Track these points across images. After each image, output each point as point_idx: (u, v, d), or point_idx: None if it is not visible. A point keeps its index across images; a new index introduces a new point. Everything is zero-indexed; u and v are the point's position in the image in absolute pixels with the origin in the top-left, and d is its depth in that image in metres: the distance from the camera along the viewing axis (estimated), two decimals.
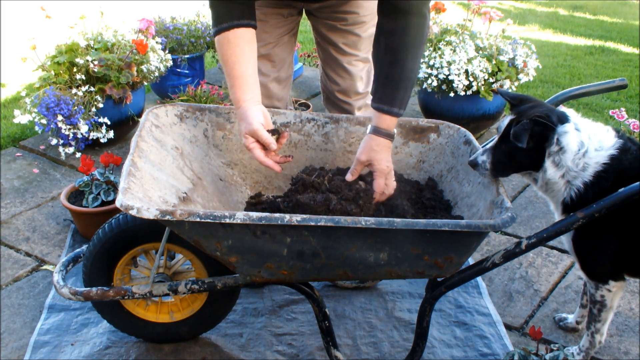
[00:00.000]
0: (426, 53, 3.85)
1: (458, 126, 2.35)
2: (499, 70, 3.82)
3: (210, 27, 4.51)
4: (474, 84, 3.73)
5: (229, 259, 1.88)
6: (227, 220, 1.73)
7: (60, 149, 3.58)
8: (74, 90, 3.51)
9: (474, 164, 2.04)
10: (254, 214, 1.74)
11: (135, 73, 3.69)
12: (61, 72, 3.58)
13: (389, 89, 2.02)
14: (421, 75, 3.82)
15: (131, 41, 3.76)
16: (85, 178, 2.97)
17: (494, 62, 3.82)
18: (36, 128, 3.58)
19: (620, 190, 1.86)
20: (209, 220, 1.74)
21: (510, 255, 1.97)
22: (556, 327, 2.54)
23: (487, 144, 2.10)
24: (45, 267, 2.82)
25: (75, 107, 3.48)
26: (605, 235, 2.01)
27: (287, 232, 1.79)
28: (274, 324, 2.50)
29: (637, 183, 1.83)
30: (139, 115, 3.86)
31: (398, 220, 1.76)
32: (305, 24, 2.64)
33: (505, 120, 2.02)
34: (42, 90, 3.52)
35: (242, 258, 1.87)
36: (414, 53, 2.02)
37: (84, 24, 3.80)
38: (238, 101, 2.01)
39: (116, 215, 2.16)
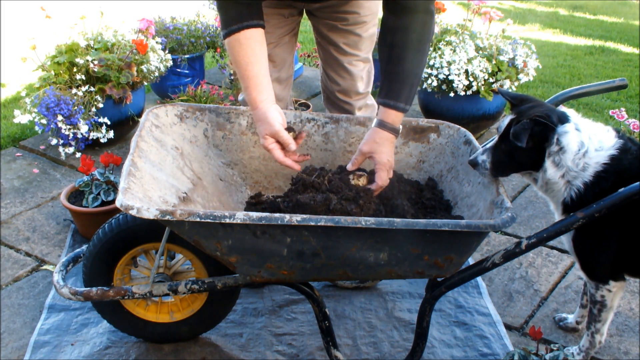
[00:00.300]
0: None
1: (458, 126, 2.35)
2: (499, 70, 3.82)
3: (210, 28, 4.54)
4: (474, 84, 3.73)
5: (229, 259, 1.88)
6: (227, 220, 1.73)
7: (60, 149, 3.58)
8: (74, 90, 3.51)
9: (474, 164, 2.05)
10: (254, 214, 1.74)
11: (135, 73, 3.69)
12: (61, 72, 3.58)
13: (396, 85, 2.04)
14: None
15: (131, 41, 3.76)
16: (85, 178, 2.97)
17: (494, 62, 3.82)
18: (36, 128, 3.58)
19: (620, 190, 1.86)
20: (209, 220, 1.74)
21: (510, 255, 1.97)
22: (556, 327, 2.54)
23: (487, 143, 2.10)
24: (45, 267, 2.82)
25: (75, 107, 3.48)
26: (605, 236, 2.01)
27: (287, 232, 1.79)
28: (274, 324, 2.50)
29: (637, 183, 1.83)
30: (139, 115, 3.86)
31: (398, 220, 1.76)
32: (305, 24, 2.64)
33: (505, 120, 2.02)
34: (42, 90, 3.52)
35: (242, 258, 1.87)
36: (420, 49, 2.04)
37: (84, 24, 3.81)
38: (255, 102, 2.01)
39: (116, 215, 2.16)
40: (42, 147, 3.82)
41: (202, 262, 2.17)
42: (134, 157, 1.93)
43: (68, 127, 3.48)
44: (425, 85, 3.84)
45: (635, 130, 3.29)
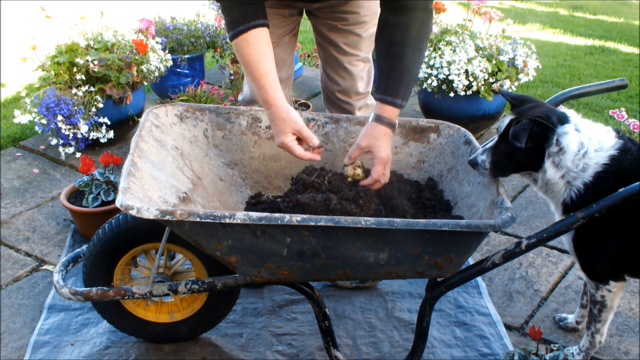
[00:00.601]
0: (426, 53, 3.85)
1: (458, 126, 2.35)
2: (499, 70, 3.82)
3: (210, 28, 4.54)
4: (474, 84, 3.73)
5: (229, 259, 1.88)
6: (227, 220, 1.73)
7: (60, 149, 3.58)
8: (74, 90, 3.51)
9: (474, 163, 2.05)
10: (254, 214, 1.74)
11: (135, 73, 3.69)
12: (61, 72, 3.58)
13: (393, 81, 2.06)
14: (421, 75, 3.82)
15: (131, 41, 3.76)
16: (85, 178, 2.97)
17: (494, 62, 3.82)
18: (36, 128, 3.58)
19: (620, 190, 1.86)
20: (209, 220, 1.74)
21: (510, 255, 1.97)
22: (556, 327, 2.54)
23: (487, 143, 2.10)
24: (45, 267, 2.82)
25: (75, 107, 3.48)
26: (605, 236, 2.01)
27: (287, 232, 1.79)
28: (274, 324, 2.50)
29: (637, 183, 1.83)
30: (139, 115, 3.86)
31: (398, 220, 1.76)
32: (305, 23, 2.64)
33: (505, 120, 2.02)
34: (42, 90, 3.52)
35: (242, 258, 1.87)
36: (418, 47, 2.06)
37: (84, 24, 3.80)
38: (273, 99, 2.02)
39: (116, 215, 2.16)
40: (42, 147, 3.82)
41: (202, 262, 2.17)
42: (134, 157, 1.93)
43: (68, 127, 3.48)
44: (425, 85, 3.84)
45: (635, 130, 3.29)
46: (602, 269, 2.09)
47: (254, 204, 2.28)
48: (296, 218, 1.74)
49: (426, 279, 2.24)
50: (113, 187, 2.97)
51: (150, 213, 1.71)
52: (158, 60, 3.88)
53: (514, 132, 1.90)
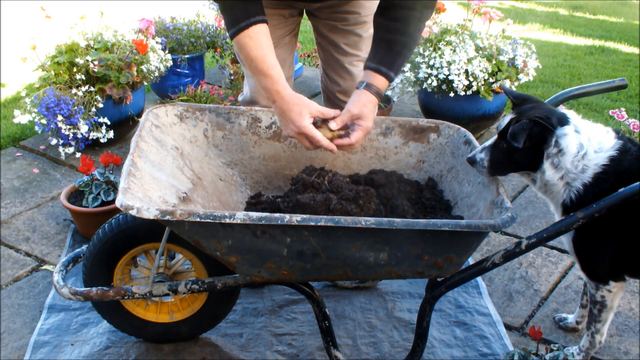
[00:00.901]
0: (426, 53, 3.85)
1: (458, 126, 2.35)
2: (499, 70, 3.82)
3: (210, 28, 4.53)
4: (474, 84, 3.73)
5: (229, 259, 1.88)
6: (227, 220, 1.73)
7: (60, 149, 3.58)
8: (74, 90, 3.51)
9: (472, 161, 2.05)
10: (254, 214, 1.74)
11: (135, 73, 3.69)
12: (61, 72, 3.58)
13: (391, 54, 2.08)
14: (421, 75, 3.82)
15: (131, 41, 3.76)
16: (85, 178, 2.97)
17: (494, 62, 3.82)
18: (36, 128, 3.58)
19: (620, 190, 1.86)
20: (209, 220, 1.74)
21: (510, 255, 1.97)
22: (556, 327, 2.54)
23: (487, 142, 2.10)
24: (45, 267, 2.82)
25: (75, 107, 3.48)
26: (605, 236, 2.01)
27: (287, 232, 1.79)
28: (274, 324, 2.50)
29: (637, 183, 1.83)
30: (139, 115, 3.86)
31: (398, 220, 1.76)
32: (305, 23, 2.64)
33: (505, 118, 2.02)
34: (42, 90, 3.52)
35: (242, 258, 1.87)
36: (419, 28, 2.09)
37: (84, 24, 3.80)
38: (283, 89, 2.01)
39: (116, 215, 2.16)
40: (42, 147, 3.82)
41: (202, 262, 2.17)
42: (134, 157, 1.93)
43: (68, 127, 3.48)
44: (425, 85, 3.83)
45: (635, 130, 3.29)
46: (602, 269, 2.09)
47: (254, 204, 2.28)
48: (296, 218, 1.74)
49: (426, 279, 2.24)
50: (113, 187, 2.97)
51: (150, 213, 1.71)
52: (158, 60, 3.88)
53: (512, 131, 1.90)
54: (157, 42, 3.95)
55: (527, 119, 1.91)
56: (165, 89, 4.33)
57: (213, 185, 2.23)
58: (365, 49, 2.60)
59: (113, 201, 2.92)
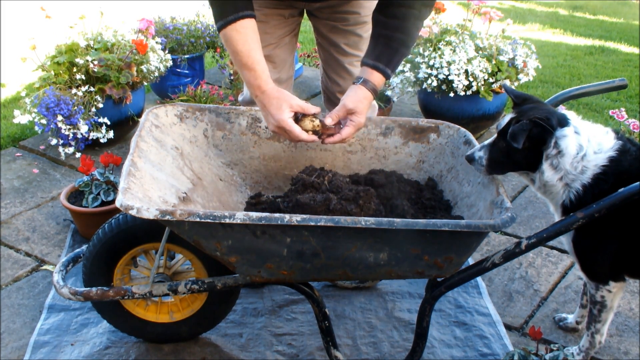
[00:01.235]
0: (426, 53, 3.85)
1: (458, 126, 2.35)
2: (499, 70, 3.82)
3: (210, 28, 4.53)
4: (474, 84, 3.73)
5: (228, 259, 1.88)
6: (227, 220, 1.73)
7: (60, 149, 3.58)
8: (73, 90, 3.51)
9: (471, 159, 2.05)
10: (254, 214, 1.74)
11: (135, 73, 3.69)
12: (61, 72, 3.58)
13: (389, 51, 2.09)
14: (421, 75, 3.82)
15: (131, 41, 3.76)
16: (85, 178, 2.97)
17: (493, 62, 3.82)
18: (36, 128, 3.58)
19: (620, 190, 1.86)
20: (208, 220, 1.74)
21: (510, 255, 1.97)
22: (556, 327, 2.54)
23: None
24: (45, 267, 2.82)
25: (75, 107, 3.48)
26: (605, 236, 2.01)
27: (287, 232, 1.79)
28: (274, 324, 2.50)
29: (637, 183, 1.83)
30: (139, 115, 3.86)
31: (398, 220, 1.76)
32: (305, 23, 2.64)
33: (505, 118, 2.02)
34: (42, 90, 3.52)
35: (242, 258, 1.87)
36: (417, 27, 2.10)
37: (84, 24, 3.80)
38: (265, 84, 2.03)
39: (116, 215, 2.16)
40: (42, 147, 3.82)
41: (202, 262, 2.17)
42: (133, 157, 1.93)
43: (68, 127, 3.48)
44: (425, 85, 3.83)
45: (635, 131, 3.29)
46: (601, 270, 2.09)
47: (254, 204, 2.28)
48: (296, 218, 1.74)
49: (426, 279, 2.24)
50: (113, 187, 2.97)
51: (150, 213, 1.71)
52: (158, 60, 3.88)
53: (512, 131, 1.90)
54: (157, 42, 3.95)
55: (527, 119, 1.91)
56: (165, 89, 4.33)
57: (213, 185, 2.23)
58: (365, 49, 2.60)
59: (113, 201, 2.92)
